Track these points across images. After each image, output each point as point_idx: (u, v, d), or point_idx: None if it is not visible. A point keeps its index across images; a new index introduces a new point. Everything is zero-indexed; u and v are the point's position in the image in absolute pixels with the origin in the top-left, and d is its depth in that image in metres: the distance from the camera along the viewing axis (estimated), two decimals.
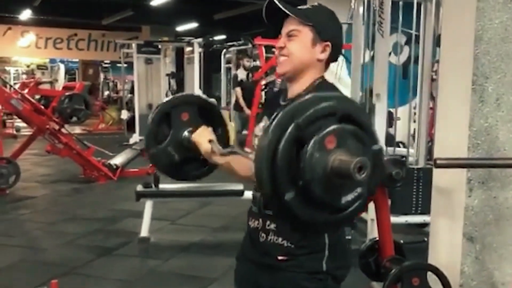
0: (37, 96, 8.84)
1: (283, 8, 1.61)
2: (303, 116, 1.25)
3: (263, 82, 7.68)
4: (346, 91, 6.88)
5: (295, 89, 1.69)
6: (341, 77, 7.13)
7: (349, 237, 3.10)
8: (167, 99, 1.99)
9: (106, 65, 21.78)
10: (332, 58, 1.69)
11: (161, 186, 4.74)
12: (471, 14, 2.89)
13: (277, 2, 1.61)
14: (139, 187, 4.78)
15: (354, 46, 5.31)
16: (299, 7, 1.68)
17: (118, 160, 7.76)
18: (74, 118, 7.42)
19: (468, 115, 2.90)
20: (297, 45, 1.64)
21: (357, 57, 5.18)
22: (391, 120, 5.57)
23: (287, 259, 1.64)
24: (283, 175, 1.24)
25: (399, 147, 5.53)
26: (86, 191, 7.09)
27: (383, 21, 4.44)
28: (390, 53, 5.68)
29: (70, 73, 21.06)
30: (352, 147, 1.25)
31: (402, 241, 4.65)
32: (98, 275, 4.02)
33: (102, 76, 21.47)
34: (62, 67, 18.66)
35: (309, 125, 1.25)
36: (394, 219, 4.69)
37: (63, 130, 7.41)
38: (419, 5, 4.82)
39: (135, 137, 11.36)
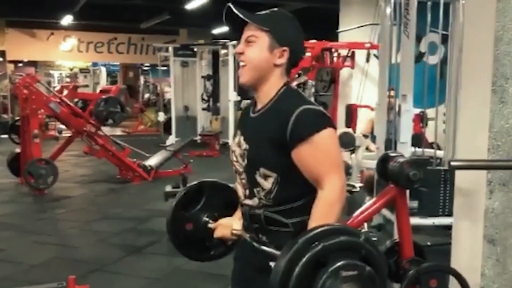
0: (75, 99, 9.11)
1: (239, 14, 1.62)
2: (330, 242, 1.31)
3: (295, 83, 7.71)
4: (372, 86, 6.88)
5: (261, 99, 1.70)
6: (368, 72, 7.13)
7: None
8: (193, 183, 2.02)
9: (146, 68, 22.25)
10: (291, 63, 1.69)
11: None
12: (491, 14, 2.87)
13: (233, 9, 1.62)
14: (168, 188, 4.91)
15: (382, 46, 5.30)
16: (258, 13, 1.69)
17: (152, 161, 7.94)
18: (110, 121, 7.63)
19: (488, 116, 2.87)
20: (254, 50, 1.65)
21: (384, 57, 5.16)
22: (425, 120, 5.53)
23: None
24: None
25: (433, 148, 5.44)
26: (121, 191, 7.29)
27: (409, 22, 4.41)
28: (425, 53, 5.65)
29: (112, 76, 21.62)
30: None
31: (429, 243, 4.65)
32: (126, 273, 4.15)
33: (142, 79, 21.97)
34: (103, 70, 19.18)
35: (334, 253, 1.31)
36: (422, 221, 4.69)
37: (99, 132, 7.64)
38: (447, 5, 4.78)
39: (172, 139, 11.56)
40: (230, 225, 1.85)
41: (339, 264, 1.28)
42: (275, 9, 1.73)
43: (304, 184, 1.61)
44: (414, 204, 4.75)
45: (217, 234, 1.88)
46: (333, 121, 1.66)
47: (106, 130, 10.02)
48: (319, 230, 1.35)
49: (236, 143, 1.74)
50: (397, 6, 4.78)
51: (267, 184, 1.64)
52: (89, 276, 4.04)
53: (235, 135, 1.78)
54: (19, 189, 7.18)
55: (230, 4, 1.64)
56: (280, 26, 1.67)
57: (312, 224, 1.55)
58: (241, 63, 1.68)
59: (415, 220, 4.67)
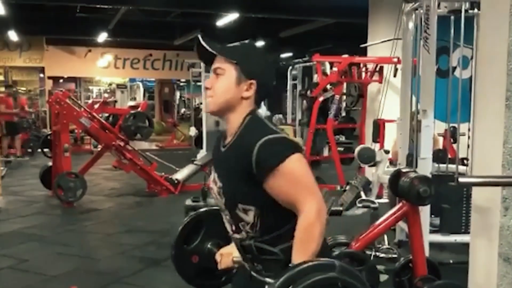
0: (106, 115, 9.33)
1: (206, 46, 1.62)
2: (303, 285, 1.32)
3: (321, 98, 7.69)
4: (394, 96, 6.80)
5: (229, 130, 1.70)
6: (391, 82, 7.06)
7: None
8: (191, 215, 2.05)
9: (182, 84, 22.57)
10: (260, 96, 1.68)
11: (209, 200, 4.89)
12: (504, 29, 2.82)
13: (201, 41, 1.63)
14: (188, 201, 4.95)
15: (403, 60, 5.25)
16: (228, 45, 1.68)
17: (179, 175, 8.03)
18: (138, 135, 7.77)
19: (502, 132, 2.81)
20: (222, 84, 1.64)
21: (406, 72, 5.11)
22: (455, 136, 5.43)
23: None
24: None
25: (464, 164, 5.33)
26: (147, 204, 7.38)
27: (429, 37, 4.36)
28: (455, 68, 5.56)
29: (149, 91, 22.03)
30: None
31: (451, 261, 4.54)
32: (143, 285, 4.20)
33: (178, 94, 22.29)
34: (141, 86, 19.56)
35: None
36: (443, 238, 4.59)
37: (128, 146, 7.78)
38: (471, 19, 4.71)
39: (202, 153, 11.65)
40: (231, 253, 1.84)
41: None
42: (246, 41, 1.73)
43: (285, 210, 1.60)
44: (436, 220, 4.66)
45: (221, 265, 1.88)
46: (297, 144, 1.61)
47: (140, 144, 10.25)
48: (290, 273, 1.34)
49: (212, 180, 1.74)
50: (418, 21, 4.76)
51: (249, 218, 1.63)
52: None
53: (211, 171, 1.78)
54: (49, 201, 7.36)
55: (199, 36, 1.66)
56: (247, 59, 1.66)
57: (294, 253, 1.54)
58: (208, 94, 1.67)
59: (437, 238, 4.58)
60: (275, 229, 1.63)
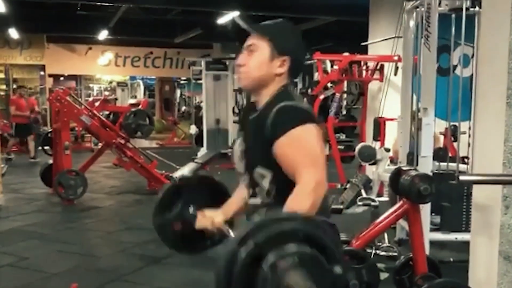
0: (107, 112, 9.32)
1: (241, 25, 1.67)
2: (262, 236, 1.20)
3: (322, 96, 7.68)
4: (395, 94, 6.80)
5: (260, 102, 1.72)
6: (396, 85, 7.04)
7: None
8: (184, 176, 2.09)
9: (183, 82, 22.57)
10: (292, 72, 1.71)
11: None
12: (505, 27, 2.82)
13: (236, 20, 1.69)
14: None
15: (404, 59, 5.24)
16: (262, 23, 1.72)
17: (180, 173, 8.01)
18: (139, 133, 7.77)
19: (503, 130, 2.81)
20: (255, 60, 1.67)
21: (407, 70, 5.11)
22: (456, 134, 5.42)
23: None
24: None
25: (465, 162, 5.32)
26: (148, 202, 7.36)
27: (430, 35, 4.35)
28: (456, 66, 5.56)
29: (150, 89, 22.03)
30: (310, 271, 1.19)
31: (451, 259, 4.54)
32: (143, 283, 4.19)
33: (178, 92, 22.29)
34: (141, 84, 19.56)
35: (268, 246, 1.20)
36: (444, 236, 4.59)
37: (128, 144, 7.78)
38: (471, 17, 4.70)
39: (203, 151, 11.65)
40: (211, 217, 1.87)
41: (272, 258, 1.17)
42: (279, 20, 1.75)
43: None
44: (437, 219, 4.66)
45: (198, 224, 1.89)
46: (313, 116, 1.62)
47: (140, 142, 10.24)
48: (250, 227, 1.25)
49: (238, 144, 1.79)
50: (419, 19, 4.75)
51: (265, 184, 1.67)
52: (107, 286, 4.11)
53: (237, 137, 1.83)
54: (50, 199, 7.36)
55: (235, 17, 1.70)
56: (280, 35, 1.70)
57: None
58: (241, 70, 1.71)
59: (438, 235, 4.58)
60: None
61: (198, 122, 13.58)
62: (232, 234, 1.81)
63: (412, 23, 4.99)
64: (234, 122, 12.46)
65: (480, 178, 2.46)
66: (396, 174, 3.25)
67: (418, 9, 4.81)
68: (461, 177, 2.46)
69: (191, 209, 1.95)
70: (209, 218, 1.87)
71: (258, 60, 1.67)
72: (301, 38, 1.74)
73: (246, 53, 1.70)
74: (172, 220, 1.97)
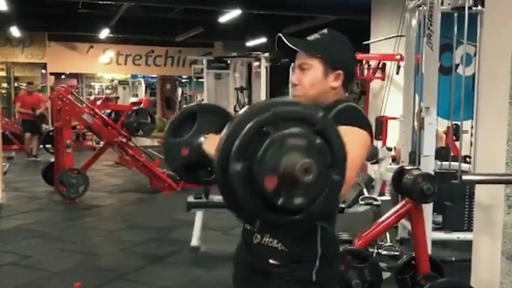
0: (108, 111, 9.31)
1: (290, 45, 1.64)
2: (284, 109, 1.24)
3: None
4: (397, 93, 6.79)
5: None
6: (398, 84, 7.04)
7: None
8: (201, 103, 2.08)
9: (184, 80, 22.55)
10: (347, 83, 1.70)
11: (211, 197, 4.89)
12: (509, 26, 2.81)
13: (284, 39, 1.64)
14: (190, 198, 4.95)
15: (406, 57, 5.24)
16: (308, 37, 1.69)
17: None
18: (140, 132, 7.77)
19: (506, 130, 2.80)
20: (309, 78, 1.66)
21: (409, 69, 5.10)
22: (458, 133, 5.41)
23: (278, 265, 1.63)
24: (240, 148, 1.22)
25: (466, 161, 5.31)
26: (149, 201, 7.39)
27: (432, 34, 4.34)
28: (458, 65, 5.55)
29: (151, 88, 22.01)
30: (316, 159, 1.20)
31: (453, 258, 4.54)
32: (145, 281, 4.19)
33: (179, 90, 22.28)
34: (142, 82, 19.54)
35: (281, 122, 1.22)
36: (447, 236, 4.58)
37: (130, 142, 7.78)
38: (473, 16, 4.68)
39: None
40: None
41: (286, 131, 1.20)
42: (325, 30, 1.72)
43: None
44: (439, 218, 4.65)
45: (206, 146, 1.84)
46: (371, 127, 1.64)
47: (141, 140, 10.24)
48: (274, 100, 1.28)
49: None
50: (421, 18, 4.73)
51: None
52: (108, 284, 4.11)
53: None
54: (51, 197, 7.36)
55: (280, 34, 1.66)
56: (331, 50, 1.67)
57: None
58: (297, 89, 1.69)
59: (440, 235, 4.57)
60: None
61: None
62: None
63: (414, 22, 4.98)
64: None
65: (483, 178, 2.44)
66: (399, 174, 3.25)
67: (420, 8, 4.80)
68: (464, 177, 2.44)
69: (201, 138, 1.92)
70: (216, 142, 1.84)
71: (313, 78, 1.66)
72: (349, 45, 1.72)
73: (299, 72, 1.68)
74: (181, 144, 1.94)
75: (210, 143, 1.79)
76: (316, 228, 1.62)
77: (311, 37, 1.70)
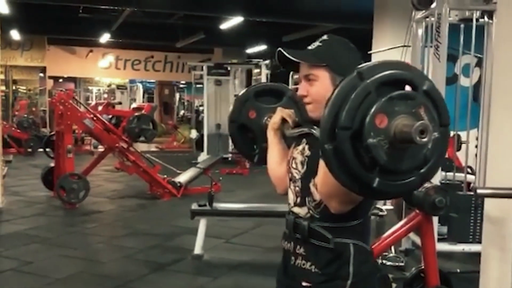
0: (109, 116, 9.29)
1: (292, 58, 1.59)
2: (388, 74, 1.28)
3: None
4: None
5: None
6: None
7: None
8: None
9: (182, 86, 22.55)
10: None
11: (215, 205, 4.87)
12: None
13: (285, 53, 1.58)
14: (194, 206, 4.92)
15: None
16: (309, 47, 1.64)
17: (182, 178, 7.99)
18: (142, 138, 7.74)
19: None
20: (318, 89, 1.60)
21: None
22: (459, 143, 5.41)
23: (310, 287, 1.64)
24: (349, 113, 1.26)
25: (468, 172, 5.30)
26: (150, 207, 7.35)
27: (440, 45, 4.34)
28: (460, 75, 5.56)
29: (148, 93, 22.01)
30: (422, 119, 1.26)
31: (458, 270, 4.52)
32: None
33: (177, 96, 22.28)
34: (140, 87, 19.54)
35: (389, 85, 1.28)
36: (452, 248, 4.56)
37: (131, 148, 7.75)
38: (478, 27, 4.69)
39: (203, 156, 11.63)
40: (282, 113, 1.81)
41: (393, 93, 1.25)
42: (325, 37, 1.66)
43: (356, 206, 1.55)
44: (444, 229, 4.63)
45: (276, 116, 1.83)
46: None
47: (140, 146, 10.20)
48: (384, 61, 1.35)
49: (300, 151, 1.73)
50: (428, 28, 4.74)
51: (317, 196, 1.62)
52: None
53: (299, 143, 1.75)
54: (51, 202, 7.30)
55: (280, 49, 1.61)
56: (336, 57, 1.61)
57: None
58: (306, 101, 1.64)
59: (444, 246, 4.55)
60: (341, 220, 1.59)
61: (199, 127, 13.57)
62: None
63: (420, 32, 4.99)
64: None
65: (498, 192, 2.44)
66: None
67: (427, 19, 4.80)
68: (479, 191, 2.44)
69: (268, 116, 1.93)
70: (281, 113, 1.82)
71: (321, 88, 1.60)
72: (353, 47, 1.66)
73: (306, 83, 1.62)
74: (254, 107, 1.98)
75: (277, 114, 1.83)
76: (347, 246, 1.60)
77: (312, 46, 1.64)
